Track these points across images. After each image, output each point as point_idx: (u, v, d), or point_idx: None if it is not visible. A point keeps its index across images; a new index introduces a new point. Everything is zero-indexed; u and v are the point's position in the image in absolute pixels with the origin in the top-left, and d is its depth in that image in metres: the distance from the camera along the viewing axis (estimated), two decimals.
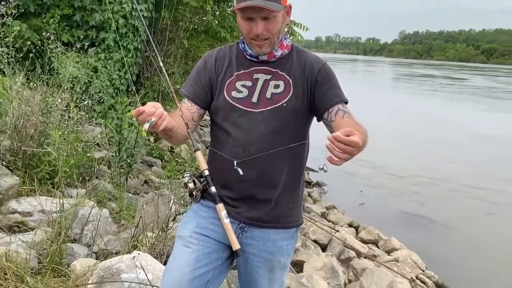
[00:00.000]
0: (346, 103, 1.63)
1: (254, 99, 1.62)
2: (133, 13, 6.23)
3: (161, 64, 1.96)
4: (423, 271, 4.90)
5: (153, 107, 1.43)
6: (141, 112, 1.42)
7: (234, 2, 1.57)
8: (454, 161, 10.59)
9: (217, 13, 8.45)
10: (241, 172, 1.55)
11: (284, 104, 1.61)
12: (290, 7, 1.62)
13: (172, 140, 1.65)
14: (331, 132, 1.59)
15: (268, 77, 1.64)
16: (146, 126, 1.43)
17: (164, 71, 1.95)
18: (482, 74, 63.23)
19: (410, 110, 18.14)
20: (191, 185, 1.66)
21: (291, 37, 7.70)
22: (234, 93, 1.63)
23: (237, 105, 1.62)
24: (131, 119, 4.99)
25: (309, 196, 7.22)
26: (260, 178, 1.60)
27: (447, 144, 12.34)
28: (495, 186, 8.80)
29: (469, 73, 62.53)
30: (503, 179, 9.32)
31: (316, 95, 1.62)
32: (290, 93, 1.62)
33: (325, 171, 1.44)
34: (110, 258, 2.55)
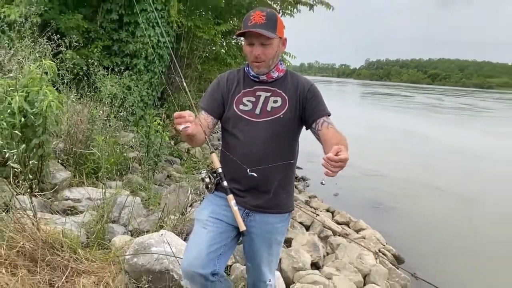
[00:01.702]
0: (329, 115, 1.65)
1: (257, 111, 1.63)
2: (160, 44, 6.25)
3: (184, 84, 1.95)
4: (384, 245, 4.91)
5: (190, 116, 1.44)
6: (182, 116, 1.42)
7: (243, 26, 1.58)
8: (408, 160, 10.65)
9: (224, 44, 8.47)
10: (255, 175, 1.56)
11: (281, 116, 1.62)
12: (286, 40, 1.64)
13: (193, 143, 1.65)
14: (317, 138, 1.64)
15: (269, 94, 1.65)
16: (181, 127, 1.43)
17: (187, 90, 1.96)
18: (426, 93, 63.46)
19: (374, 120, 18.17)
20: (207, 180, 1.67)
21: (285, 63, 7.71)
22: (241, 106, 1.64)
23: (244, 116, 1.63)
24: (157, 127, 5.01)
25: (295, 187, 7.20)
26: (262, 174, 1.61)
27: (405, 146, 12.41)
28: (443, 177, 8.84)
29: (417, 92, 62.75)
30: (449, 171, 9.39)
31: (306, 109, 1.64)
32: (286, 107, 1.63)
33: (323, 184, 1.47)
34: (142, 235, 2.56)
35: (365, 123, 17.28)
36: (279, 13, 7.35)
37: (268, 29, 1.52)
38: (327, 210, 6.03)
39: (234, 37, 8.36)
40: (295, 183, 7.65)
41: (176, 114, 1.44)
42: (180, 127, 1.43)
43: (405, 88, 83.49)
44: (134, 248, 2.34)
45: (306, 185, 7.87)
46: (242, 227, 1.57)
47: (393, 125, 17.11)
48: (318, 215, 5.19)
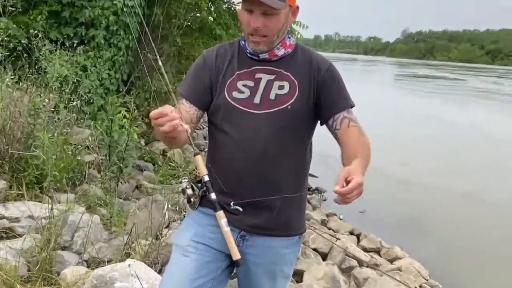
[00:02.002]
0: (352, 107, 1.65)
1: (257, 100, 1.62)
2: (125, 10, 6.24)
3: (160, 63, 1.92)
4: (427, 280, 4.93)
5: (173, 111, 1.41)
6: (164, 113, 1.39)
7: None
8: (457, 164, 10.69)
9: (212, 9, 8.46)
10: (240, 209, 1.58)
11: (289, 107, 1.61)
12: (298, 8, 1.63)
13: (173, 144, 1.65)
14: (335, 138, 1.65)
15: (272, 77, 1.64)
16: (165, 128, 1.42)
17: (163, 70, 1.95)
18: (483, 75, 63.59)
19: (410, 112, 18.24)
20: (189, 191, 1.65)
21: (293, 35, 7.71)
22: (235, 93, 1.63)
23: (238, 106, 1.61)
24: (122, 120, 5.01)
25: (308, 202, 7.21)
26: (262, 184, 1.61)
27: (447, 146, 12.46)
28: (500, 190, 8.89)
29: (470, 74, 62.87)
30: (507, 181, 9.43)
31: (322, 99, 1.63)
32: (296, 95, 1.62)
33: (342, 219, 1.52)
34: (102, 266, 2.56)
35: (399, 116, 17.40)
36: None
37: None
38: (351, 233, 6.06)
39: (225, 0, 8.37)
40: (308, 196, 7.66)
41: (154, 113, 1.40)
42: (165, 129, 1.40)
43: (454, 69, 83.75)
44: (92, 283, 2.34)
45: (323, 198, 7.88)
46: (236, 255, 1.56)
47: (436, 118, 17.23)
48: (338, 239, 5.20)
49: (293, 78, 1.64)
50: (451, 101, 24.90)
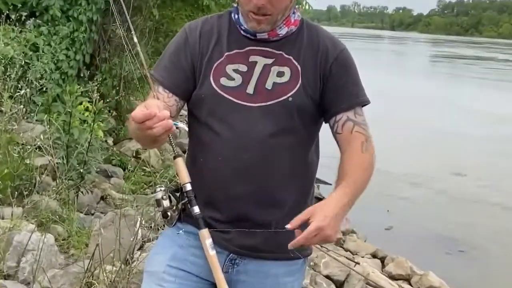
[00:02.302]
0: (363, 105, 1.68)
1: (250, 90, 1.63)
2: None
3: (135, 39, 1.89)
4: None
5: (161, 109, 1.40)
6: (152, 115, 1.36)
7: None
8: (505, 169, 10.73)
9: None
10: (181, 126, 1.53)
11: (290, 98, 1.62)
12: None
13: (154, 144, 1.66)
14: (336, 142, 1.68)
15: (269, 61, 1.65)
16: (155, 131, 1.40)
17: (139, 48, 1.92)
18: None
19: (451, 105, 18.25)
20: (166, 202, 1.66)
21: (297, 6, 7.72)
22: (223, 80, 1.64)
23: (227, 96, 1.62)
24: (83, 114, 5.00)
25: None
26: (257, 194, 1.61)
27: (495, 148, 12.49)
28: None
29: None
30: None
31: (326, 91, 1.65)
32: (299, 84, 1.63)
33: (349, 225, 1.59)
34: None
35: (436, 111, 17.36)
36: None
37: None
38: (374, 256, 6.06)
39: None
40: None
41: (139, 115, 1.36)
42: (156, 132, 1.38)
43: (505, 47, 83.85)
44: None
45: None
46: (223, 286, 1.56)
47: (479, 112, 17.29)
48: (357, 263, 5.20)
49: (295, 63, 1.65)
50: (503, 89, 24.89)
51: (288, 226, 1.46)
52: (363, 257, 5.86)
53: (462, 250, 6.79)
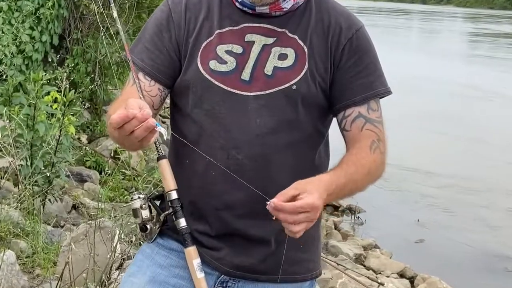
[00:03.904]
0: (381, 97, 1.68)
1: (246, 75, 1.63)
2: None
3: (115, 14, 1.88)
4: None
5: (143, 107, 1.38)
6: (130, 117, 1.35)
7: None
8: None
9: None
10: (163, 132, 1.46)
11: (294, 87, 1.62)
12: None
13: (138, 147, 1.61)
14: (344, 140, 1.69)
15: (270, 41, 1.65)
16: (163, 132, 1.44)
17: (120, 27, 1.90)
18: None
19: (495, 95, 18.23)
20: (145, 213, 1.67)
21: None
22: (213, 64, 1.64)
23: (217, 82, 1.63)
24: (51, 106, 5.00)
25: (335, 228, 7.26)
26: (253, 204, 1.59)
27: None
28: None
29: None
30: None
31: (337, 79, 1.65)
32: (305, 69, 1.63)
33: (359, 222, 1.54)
34: None
35: (467, 95, 17.38)
36: None
37: None
38: (401, 275, 6.08)
39: None
40: (334, 218, 7.71)
41: (117, 118, 1.36)
42: (138, 135, 1.38)
43: None
44: None
45: (358, 222, 7.93)
46: None
47: None
48: (381, 284, 5.21)
49: (301, 44, 1.65)
50: None
51: (274, 200, 1.39)
52: (388, 276, 5.88)
53: (509, 268, 6.78)
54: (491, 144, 11.96)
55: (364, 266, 6.14)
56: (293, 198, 1.39)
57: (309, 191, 1.40)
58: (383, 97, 1.69)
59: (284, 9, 1.65)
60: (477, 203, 8.65)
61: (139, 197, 1.68)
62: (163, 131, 1.46)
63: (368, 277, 5.39)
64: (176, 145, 1.73)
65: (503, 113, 15.35)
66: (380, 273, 5.96)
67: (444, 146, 11.45)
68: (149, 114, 1.38)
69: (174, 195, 1.62)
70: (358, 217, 8.04)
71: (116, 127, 1.37)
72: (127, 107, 1.37)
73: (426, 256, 6.82)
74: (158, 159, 1.64)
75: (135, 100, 1.43)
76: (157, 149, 1.64)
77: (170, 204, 1.63)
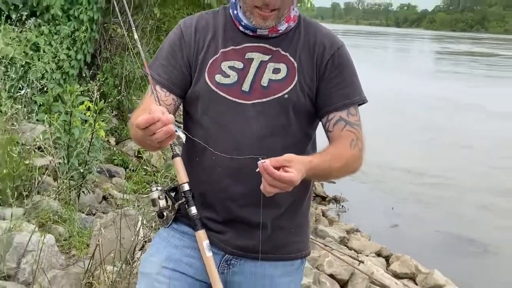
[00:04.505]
0: (359, 104, 1.68)
1: (246, 87, 1.62)
2: None
3: (136, 36, 1.88)
4: None
5: (165, 112, 1.38)
6: (155, 120, 1.35)
7: None
8: (507, 162, 10.73)
9: None
10: (182, 136, 1.48)
11: (286, 96, 1.62)
12: None
13: (158, 148, 1.62)
14: (328, 140, 1.68)
15: (266, 57, 1.65)
16: (182, 135, 1.46)
17: (139, 45, 1.91)
18: None
19: (455, 104, 18.19)
20: (162, 202, 1.66)
21: (299, 4, 7.70)
22: (218, 77, 1.63)
23: (221, 93, 1.62)
24: (84, 113, 4.99)
25: (323, 215, 7.24)
26: (253, 195, 1.58)
27: (495, 140, 12.58)
28: None
29: None
30: None
31: (321, 89, 1.65)
32: (294, 82, 1.63)
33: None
34: None
35: (438, 108, 17.34)
36: None
37: None
38: (378, 254, 6.06)
39: None
40: (322, 207, 7.70)
41: (144, 120, 1.35)
42: (159, 137, 1.37)
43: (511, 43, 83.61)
44: None
45: (342, 210, 7.93)
46: (219, 287, 1.57)
47: (480, 107, 17.27)
48: (362, 262, 5.20)
49: (292, 60, 1.65)
50: (491, 83, 25.03)
51: (267, 161, 1.40)
52: (367, 255, 5.86)
53: (471, 249, 6.76)
54: (461, 146, 11.89)
55: (347, 247, 6.12)
56: (282, 167, 1.41)
57: (296, 169, 1.41)
58: (360, 104, 1.69)
59: (280, 31, 1.65)
60: (446, 197, 8.61)
61: (157, 189, 1.68)
62: (182, 135, 1.46)
63: (350, 256, 5.38)
64: (188, 145, 1.71)
65: (470, 119, 15.29)
66: (360, 253, 5.94)
67: (419, 149, 11.42)
68: (171, 118, 1.38)
69: (186, 187, 1.61)
70: (342, 206, 8.03)
71: (142, 128, 1.36)
72: (151, 112, 1.37)
73: (399, 239, 6.80)
74: (173, 157, 1.64)
75: (158, 107, 1.43)
76: (172, 149, 1.63)
77: (183, 195, 1.63)
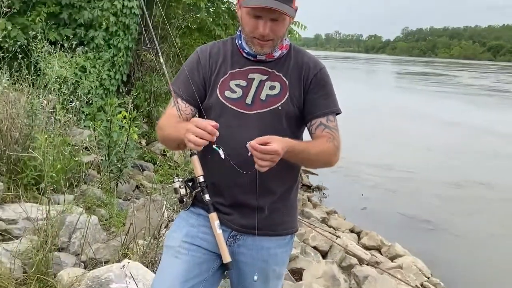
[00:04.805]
0: (337, 114, 1.67)
1: (248, 100, 1.62)
2: (124, 11, 6.24)
3: (161, 60, 1.90)
4: (428, 278, 4.90)
5: (215, 131, 1.46)
6: (208, 128, 1.44)
7: None
8: (455, 159, 10.71)
9: (211, 10, 8.44)
10: (222, 155, 1.52)
11: (280, 107, 1.62)
12: (297, 8, 1.63)
13: (178, 149, 1.66)
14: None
15: (264, 77, 1.64)
16: (221, 154, 1.50)
17: (164, 67, 1.92)
18: (480, 71, 63.51)
19: (412, 109, 18.19)
20: (182, 191, 1.65)
21: (289, 35, 7.69)
22: (227, 93, 1.63)
23: (230, 105, 1.62)
24: (121, 121, 4.99)
25: (308, 200, 7.23)
26: (254, 184, 1.59)
27: (445, 141, 12.50)
28: (497, 183, 8.95)
29: (469, 70, 62.81)
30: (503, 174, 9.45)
31: (306, 101, 1.64)
32: (286, 96, 1.63)
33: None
34: (99, 267, 2.54)
35: (397, 112, 17.34)
36: None
37: (285, 1, 1.52)
38: (351, 231, 6.04)
39: (224, 0, 8.33)
40: (308, 194, 7.68)
41: (203, 123, 1.44)
42: (200, 143, 1.45)
43: (454, 66, 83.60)
44: (87, 284, 2.32)
45: (323, 196, 7.91)
46: (226, 258, 1.56)
47: (434, 114, 17.26)
48: (338, 237, 5.18)
49: (284, 79, 1.64)
50: (452, 98, 24.89)
51: (252, 142, 1.43)
52: (343, 232, 5.86)
53: (424, 227, 6.74)
54: (420, 147, 11.82)
55: (327, 225, 6.12)
56: (265, 144, 1.43)
57: (277, 143, 1.44)
58: (337, 114, 1.68)
59: (275, 57, 1.65)
60: (406, 186, 8.59)
61: (178, 180, 1.67)
62: (222, 154, 1.51)
63: (330, 232, 5.38)
64: (202, 149, 1.71)
65: (426, 125, 15.22)
66: (337, 230, 5.94)
67: (386, 149, 11.35)
68: (216, 132, 1.45)
69: (201, 179, 1.61)
70: (323, 193, 8.02)
71: (202, 128, 1.43)
72: (209, 123, 1.45)
73: (368, 219, 6.79)
74: (191, 155, 1.63)
75: (211, 122, 1.47)
76: (190, 149, 1.61)
77: (198, 185, 1.62)
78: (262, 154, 1.42)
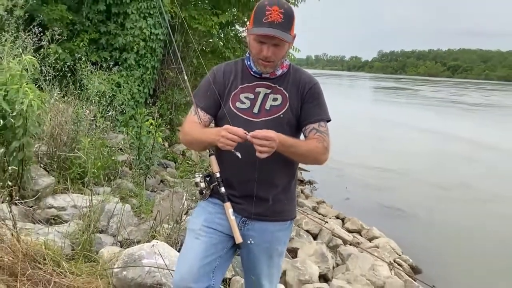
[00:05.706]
0: (328, 121, 1.66)
1: (255, 110, 1.63)
2: (151, 37, 6.27)
3: (185, 77, 1.95)
4: (399, 255, 4.89)
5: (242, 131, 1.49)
6: (241, 134, 1.48)
7: (251, 21, 1.58)
8: (424, 159, 10.70)
9: (222, 36, 8.46)
10: (239, 155, 1.54)
11: (281, 115, 1.62)
12: (295, 36, 1.64)
13: (203, 150, 1.68)
14: None
15: (268, 91, 1.65)
16: (238, 154, 1.52)
17: (187, 82, 1.95)
18: (441, 86, 63.42)
19: (387, 118, 18.12)
20: (202, 184, 1.67)
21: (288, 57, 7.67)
22: (238, 104, 1.64)
23: (240, 114, 1.63)
24: (149, 127, 5.01)
25: (302, 192, 7.21)
26: (260, 179, 1.60)
27: (418, 145, 12.42)
28: (463, 177, 8.91)
29: (432, 86, 62.74)
30: (470, 171, 9.43)
31: (302, 110, 1.65)
32: (287, 106, 1.64)
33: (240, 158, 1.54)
34: (132, 246, 2.55)
35: (375, 120, 17.25)
36: None
37: (285, 30, 1.53)
38: (337, 217, 6.02)
39: (232, 28, 8.34)
40: (301, 187, 7.66)
41: (233, 130, 1.48)
42: (228, 144, 1.48)
43: (420, 82, 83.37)
44: (124, 260, 2.33)
45: (314, 189, 7.89)
46: (239, 239, 1.58)
47: (404, 121, 17.13)
48: (326, 222, 5.18)
49: (285, 92, 1.65)
50: (414, 108, 24.94)
51: (253, 133, 1.45)
52: (330, 218, 5.84)
53: (399, 214, 6.69)
54: (398, 150, 11.70)
55: (317, 212, 6.10)
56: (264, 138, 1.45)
57: (272, 132, 1.48)
58: (328, 121, 1.68)
59: (277, 74, 1.66)
60: (385, 181, 8.51)
61: (198, 176, 1.69)
62: (239, 155, 1.52)
63: (319, 218, 5.37)
64: (218, 150, 1.69)
65: (402, 132, 15.07)
66: (326, 216, 5.92)
67: (367, 151, 11.21)
68: (246, 138, 1.48)
69: (218, 175, 1.63)
70: (314, 186, 7.98)
71: (233, 133, 1.48)
72: (240, 130, 1.50)
73: (350, 207, 6.74)
74: (209, 155, 1.65)
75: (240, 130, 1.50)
76: (209, 150, 1.65)
77: (215, 180, 1.63)
78: (261, 140, 1.44)
